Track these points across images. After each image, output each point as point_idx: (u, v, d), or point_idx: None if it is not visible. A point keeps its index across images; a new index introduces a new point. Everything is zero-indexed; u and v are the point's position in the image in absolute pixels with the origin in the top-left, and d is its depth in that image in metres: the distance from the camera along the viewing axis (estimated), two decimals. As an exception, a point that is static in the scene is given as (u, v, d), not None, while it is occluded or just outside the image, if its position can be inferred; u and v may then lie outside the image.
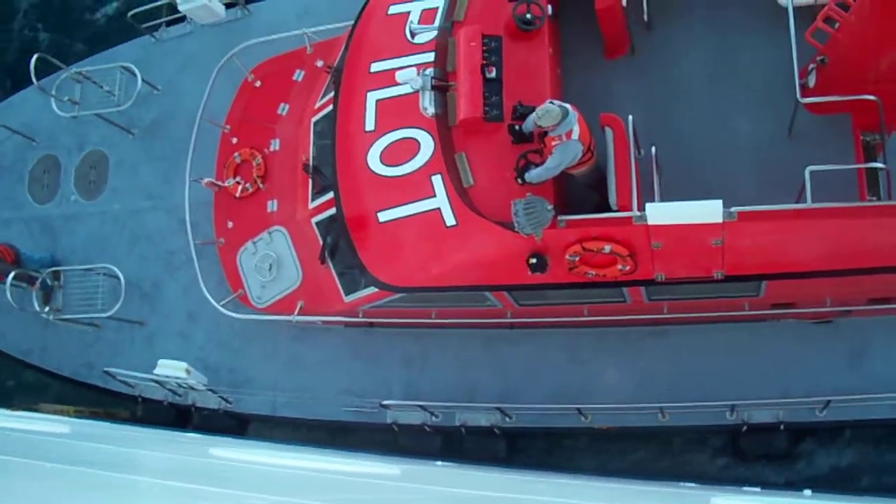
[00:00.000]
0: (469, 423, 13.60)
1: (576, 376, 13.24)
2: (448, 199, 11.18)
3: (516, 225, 10.43)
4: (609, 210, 10.98)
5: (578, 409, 12.84)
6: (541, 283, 11.38)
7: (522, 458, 14.29)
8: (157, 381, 14.15)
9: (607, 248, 10.63)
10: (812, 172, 10.08)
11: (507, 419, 13.43)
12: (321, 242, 13.11)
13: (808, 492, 10.60)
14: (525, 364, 13.45)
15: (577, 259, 10.83)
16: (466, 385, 13.55)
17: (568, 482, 10.94)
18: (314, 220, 13.23)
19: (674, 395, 12.79)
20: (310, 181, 13.38)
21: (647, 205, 10.18)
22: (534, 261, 10.87)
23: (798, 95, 10.68)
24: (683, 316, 12.56)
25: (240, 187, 14.26)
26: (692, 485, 12.04)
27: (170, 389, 14.60)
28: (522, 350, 13.46)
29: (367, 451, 13.48)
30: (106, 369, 14.42)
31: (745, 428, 13.10)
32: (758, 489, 11.24)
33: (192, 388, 14.23)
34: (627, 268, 10.90)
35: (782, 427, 13.00)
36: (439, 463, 12.51)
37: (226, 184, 14.28)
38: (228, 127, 14.78)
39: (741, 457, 13.94)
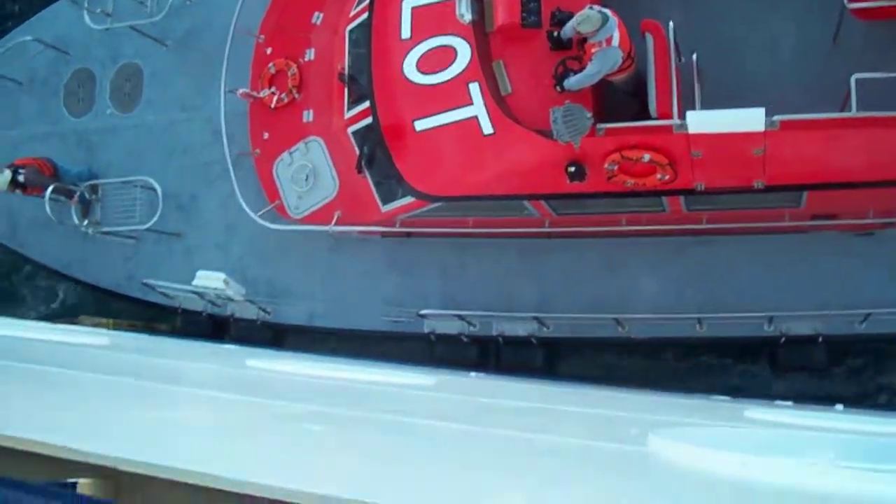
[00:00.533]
0: (506, 332, 13.70)
1: (613, 286, 13.23)
2: (485, 107, 11.15)
3: (555, 133, 10.40)
4: (649, 118, 10.89)
5: (616, 319, 12.89)
6: (579, 193, 11.36)
7: (560, 369, 14.32)
8: (195, 293, 14.30)
9: (647, 156, 10.58)
10: (858, 80, 9.93)
11: (545, 329, 13.47)
12: (357, 152, 13.06)
13: (839, 406, 10.62)
14: (562, 274, 13.45)
15: (616, 168, 10.78)
16: (504, 295, 13.56)
17: (600, 393, 11.03)
18: (350, 129, 13.19)
19: (712, 306, 12.78)
20: (345, 90, 13.29)
21: (688, 113, 10.13)
22: (572, 169, 10.84)
23: (845, 0, 10.50)
24: (723, 226, 12.46)
25: (275, 98, 14.19)
26: (725, 398, 12.08)
27: (209, 301, 14.77)
28: (560, 260, 13.43)
29: (402, 362, 13.60)
30: (145, 281, 14.63)
31: (782, 340, 13.07)
32: (790, 403, 11.27)
33: (231, 300, 14.36)
34: (667, 177, 10.83)
35: (820, 340, 12.98)
36: (473, 374, 12.63)
37: (261, 94, 14.23)
38: (263, 37, 14.67)
39: (778, 370, 13.91)
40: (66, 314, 16.25)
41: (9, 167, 14.86)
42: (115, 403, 5.24)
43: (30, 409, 4.35)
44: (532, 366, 14.00)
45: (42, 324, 13.77)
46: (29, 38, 16.33)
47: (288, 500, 2.36)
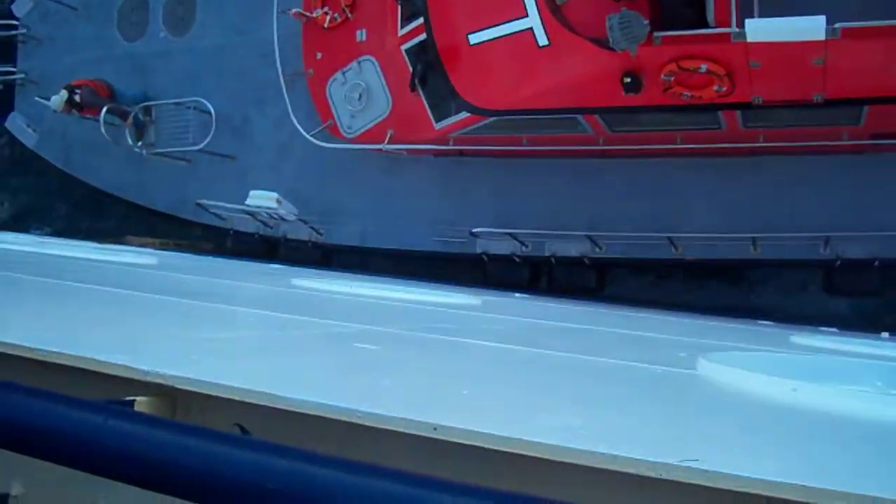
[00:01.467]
0: (558, 253, 13.77)
1: (667, 207, 13.20)
2: (540, 17, 11.14)
3: (611, 40, 10.38)
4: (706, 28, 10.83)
5: (669, 239, 12.87)
6: (634, 106, 11.37)
7: (610, 292, 14.35)
8: (248, 213, 14.49)
9: (704, 67, 10.56)
10: None
11: (597, 249, 13.52)
12: (411, 70, 13.16)
13: (885, 334, 10.55)
14: (616, 194, 13.45)
15: (673, 79, 10.77)
16: (556, 215, 13.59)
17: (646, 316, 11.05)
18: (404, 47, 13.29)
19: (767, 227, 12.72)
20: (399, 8, 13.40)
21: (747, 21, 10.05)
22: (628, 80, 10.85)
23: None
24: (780, 145, 12.37)
25: (328, 17, 14.28)
26: (770, 323, 12.04)
27: (261, 221, 14.95)
28: (613, 180, 13.43)
29: (451, 284, 13.69)
30: (198, 201, 14.85)
31: (838, 263, 12.96)
32: (835, 329, 11.20)
33: (283, 220, 14.53)
34: (724, 88, 10.79)
35: (876, 264, 12.85)
36: (517, 295, 12.68)
37: (314, 14, 14.33)
38: (315, -43, 14.70)
39: (832, 293, 13.82)
40: (112, 235, 16.51)
41: (66, 87, 15.09)
42: (167, 322, 5.37)
43: (84, 327, 4.47)
44: (584, 287, 14.04)
45: (90, 244, 13.98)
46: (83, -38, 16.53)
47: (343, 418, 2.43)
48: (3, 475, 2.89)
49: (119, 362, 2.84)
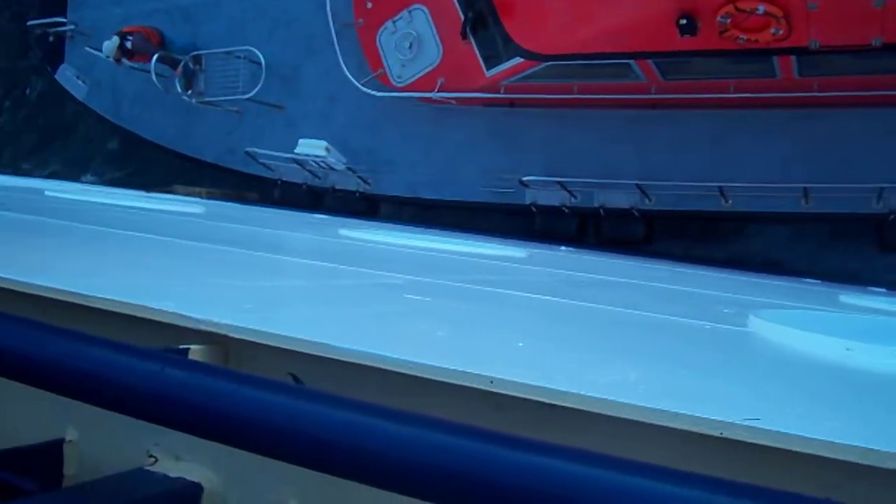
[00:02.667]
0: (608, 204, 13.72)
1: (718, 158, 13.11)
2: None
3: None
4: None
5: (720, 189, 12.78)
6: (689, 50, 11.27)
7: (659, 245, 14.21)
8: (297, 162, 14.59)
9: (761, 8, 10.45)
10: None
11: (647, 201, 13.42)
12: (462, 17, 13.05)
13: None
14: (667, 145, 13.35)
15: (729, 21, 10.68)
16: (606, 166, 13.51)
17: (689, 271, 10.95)
18: (455, -7, 13.16)
19: (819, 180, 12.52)
20: (451, -45, 13.26)
21: None
22: (683, 22, 10.76)
23: None
24: (834, 95, 12.18)
25: (380, -34, 14.15)
26: (819, 282, 11.86)
27: (309, 171, 15.01)
28: (664, 131, 13.33)
29: (498, 234, 13.61)
30: (247, 150, 14.91)
31: (892, 217, 12.78)
32: (883, 290, 11.00)
33: (332, 169, 14.60)
34: (781, 31, 10.67)
35: (931, 218, 12.65)
36: (563, 248, 12.59)
37: (365, -36, 14.21)
38: None
39: (886, 249, 13.58)
40: (159, 184, 16.61)
41: (117, 34, 15.12)
42: (217, 271, 5.32)
43: (133, 275, 4.43)
44: (631, 239, 13.99)
45: (138, 192, 14.06)
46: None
47: (397, 369, 2.37)
48: (58, 420, 2.91)
49: (171, 310, 2.80)
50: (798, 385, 3.15)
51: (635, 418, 2.08)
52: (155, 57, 15.05)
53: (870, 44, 10.64)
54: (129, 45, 15.17)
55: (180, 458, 2.66)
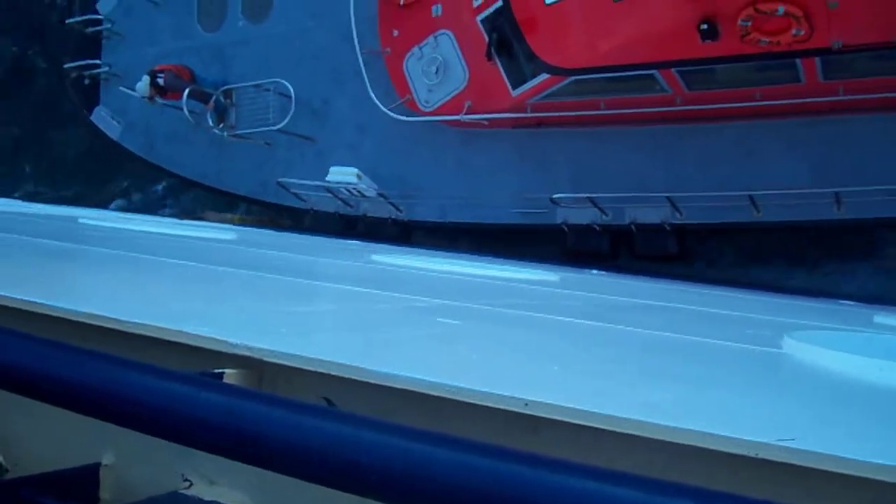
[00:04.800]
0: (639, 219, 13.70)
1: (747, 168, 13.00)
2: None
3: None
4: None
5: (750, 197, 12.71)
6: (712, 57, 11.33)
7: (692, 259, 14.13)
8: (328, 190, 14.70)
9: (781, 9, 10.52)
10: None
11: (678, 214, 13.38)
12: (487, 39, 13.15)
13: None
14: (695, 157, 13.32)
15: (750, 24, 10.75)
16: (636, 181, 13.50)
17: (722, 293, 10.89)
18: (479, 17, 13.48)
19: (851, 184, 12.30)
20: (473, -21, 13.44)
21: None
22: (705, 27, 10.85)
23: None
24: (861, 98, 12.08)
25: (404, -6, 14.27)
26: (853, 303, 11.71)
27: (341, 200, 15.07)
28: (692, 143, 13.32)
29: (530, 260, 13.56)
30: (279, 180, 15.04)
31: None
32: None
33: (364, 196, 14.67)
34: (802, 32, 10.70)
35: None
36: (594, 272, 12.53)
37: (390, -8, 14.32)
38: (388, -62, 14.84)
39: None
40: (192, 211, 16.78)
41: (149, 73, 15.32)
42: (251, 296, 5.34)
43: (168, 300, 4.44)
44: (664, 253, 13.99)
45: (171, 220, 14.17)
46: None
47: (431, 392, 2.34)
48: (95, 444, 2.95)
49: (206, 334, 2.77)
50: (833, 405, 3.11)
51: (671, 440, 2.06)
52: (186, 91, 15.22)
53: (893, 42, 10.58)
54: (161, 82, 15.37)
55: (214, 482, 2.71)
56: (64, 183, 20.72)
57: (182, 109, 15.54)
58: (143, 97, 15.73)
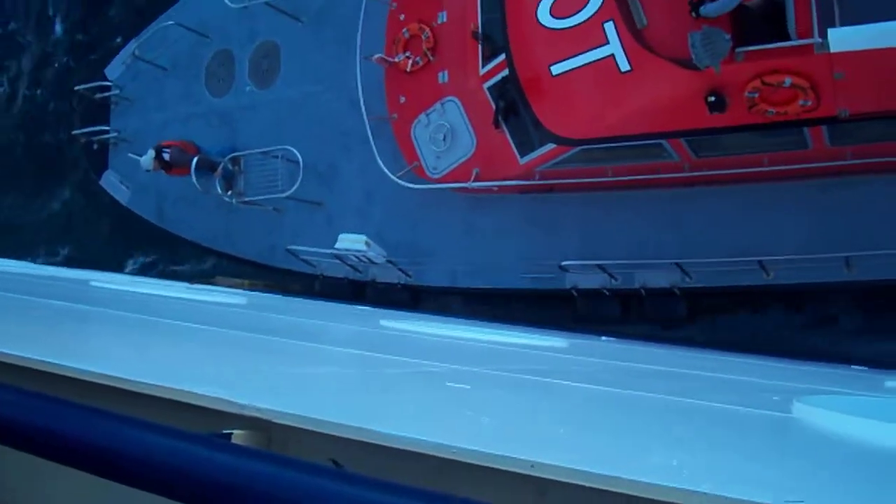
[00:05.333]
0: (648, 284, 13.68)
1: (756, 232, 12.99)
2: (621, 43, 11.30)
3: (694, 58, 10.48)
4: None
5: (760, 263, 12.69)
6: (720, 127, 11.38)
7: (703, 323, 14.10)
8: (337, 257, 14.74)
9: (788, 81, 10.58)
10: None
11: (687, 279, 13.39)
12: (494, 106, 13.24)
13: None
14: (704, 221, 13.31)
15: (757, 96, 10.80)
16: (645, 246, 13.53)
17: (734, 359, 10.89)
18: (486, 84, 13.55)
19: (861, 247, 12.29)
20: (479, 47, 13.65)
21: (829, 30, 10.03)
22: (712, 99, 10.89)
23: None
24: (869, 162, 12.15)
25: (410, 62, 14.63)
26: (863, 368, 11.69)
27: (350, 266, 15.16)
28: (701, 208, 13.31)
29: (540, 326, 13.56)
30: (289, 247, 15.09)
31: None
32: None
33: (373, 262, 14.70)
34: (809, 102, 10.75)
35: None
36: (604, 338, 12.55)
37: (396, 59, 14.65)
38: (395, 4, 15.15)
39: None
40: (202, 276, 16.83)
41: (154, 148, 15.50)
42: (260, 359, 5.40)
43: (179, 362, 4.50)
44: (674, 317, 13.98)
45: (182, 284, 14.23)
46: (170, 23, 17.14)
47: (438, 454, 2.37)
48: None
49: (216, 395, 2.81)
50: (842, 468, 3.10)
51: (679, 501, 2.05)
52: (195, 160, 15.32)
53: (897, 111, 10.65)
54: (166, 156, 15.52)
55: None
56: (73, 245, 20.92)
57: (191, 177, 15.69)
58: (147, 170, 15.90)
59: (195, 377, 3.45)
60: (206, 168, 15.74)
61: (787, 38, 10.74)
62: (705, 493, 2.07)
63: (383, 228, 15.08)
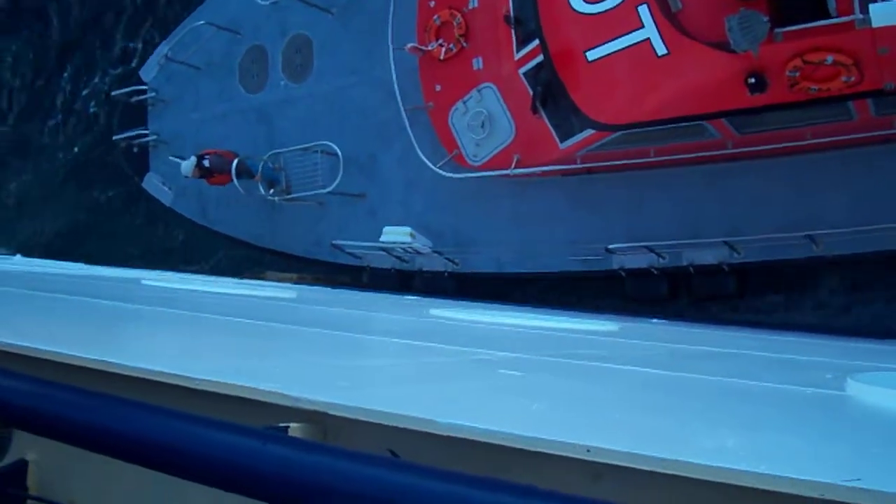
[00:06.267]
0: (696, 261, 13.61)
1: (803, 205, 12.90)
2: (657, 27, 11.19)
3: (732, 42, 10.34)
4: (824, 19, 10.65)
5: (809, 236, 12.58)
6: (761, 106, 11.27)
7: (753, 299, 14.08)
8: (383, 249, 14.80)
9: (830, 58, 10.44)
10: None
11: (735, 254, 13.31)
12: (531, 92, 13.26)
13: None
14: (750, 197, 13.19)
15: (798, 74, 10.66)
16: (691, 224, 13.49)
17: (787, 338, 10.85)
18: (521, 70, 13.51)
19: None
20: (512, 32, 13.62)
21: (871, 6, 9.88)
22: (752, 81, 10.78)
23: None
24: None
25: (443, 49, 14.58)
26: None
27: (396, 257, 15.27)
28: (746, 183, 13.18)
29: (588, 311, 13.59)
30: (334, 242, 15.21)
31: None
32: None
33: (418, 253, 14.77)
34: (852, 78, 10.61)
35: None
36: (654, 320, 12.55)
37: (429, 48, 14.65)
38: (425, -9, 15.06)
39: None
40: (252, 270, 17.06)
41: (196, 155, 15.73)
42: (313, 352, 5.52)
43: (237, 357, 4.63)
44: (726, 293, 13.91)
45: (231, 279, 14.40)
46: (201, 22, 17.32)
47: (494, 441, 2.45)
48: (163, 501, 3.04)
49: (271, 389, 2.92)
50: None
51: (735, 482, 2.12)
52: (234, 164, 15.53)
53: (946, 80, 10.53)
54: (206, 164, 15.70)
55: None
56: (123, 247, 21.31)
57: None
58: (187, 176, 16.13)
59: (249, 372, 3.56)
60: (246, 175, 15.94)
61: (827, 16, 10.60)
62: (761, 474, 2.14)
63: (427, 218, 15.17)
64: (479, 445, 2.48)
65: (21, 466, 3.45)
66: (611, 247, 13.50)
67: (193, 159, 15.91)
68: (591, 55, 11.72)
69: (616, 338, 8.57)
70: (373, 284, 15.78)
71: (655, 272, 13.86)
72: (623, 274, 14.04)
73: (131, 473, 2.44)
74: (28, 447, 3.48)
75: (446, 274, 15.23)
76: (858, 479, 2.05)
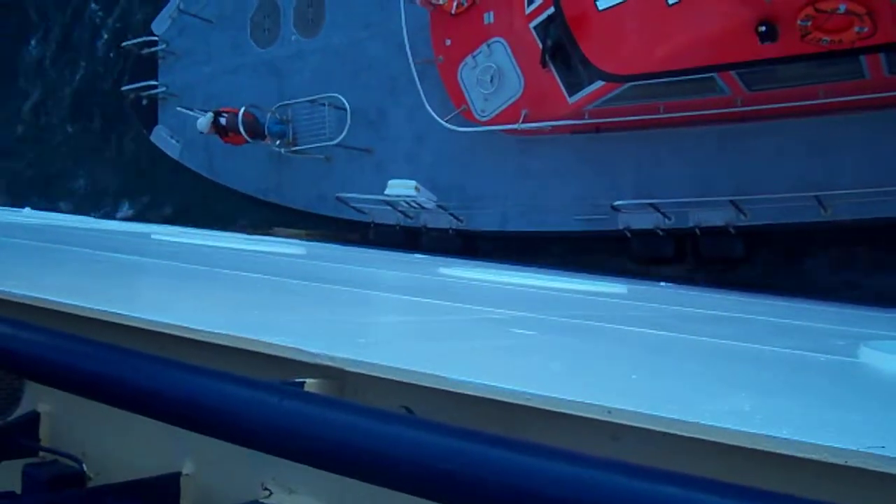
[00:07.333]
0: (703, 223, 13.48)
1: (814, 168, 12.74)
2: None
3: None
4: None
5: (817, 199, 12.42)
6: (772, 58, 11.11)
7: (759, 264, 14.02)
8: (388, 203, 14.76)
9: (842, 7, 10.27)
10: None
11: (742, 217, 13.20)
12: (541, 46, 13.14)
13: None
14: (760, 159, 13.05)
15: (810, 24, 10.51)
16: (698, 184, 13.35)
17: (794, 304, 10.79)
18: (532, 24, 13.40)
19: None
20: (525, -15, 13.41)
21: None
22: (763, 29, 10.62)
23: None
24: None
25: (454, 3, 14.45)
26: None
27: (401, 212, 15.19)
28: (755, 143, 13.04)
29: (594, 264, 13.54)
30: (338, 195, 15.15)
31: None
32: None
33: (423, 208, 14.74)
34: (865, 29, 10.43)
35: None
36: (662, 283, 12.48)
37: (440, 2, 14.47)
38: (434, -55, 14.89)
39: None
40: (259, 227, 17.06)
41: (213, 111, 15.65)
42: (326, 308, 5.47)
43: (246, 312, 4.58)
44: (732, 256, 13.74)
45: (241, 235, 14.37)
46: (215, -26, 17.09)
47: (511, 400, 2.41)
48: (176, 454, 3.06)
49: (288, 344, 2.89)
50: None
51: (756, 447, 2.07)
52: (241, 110, 15.48)
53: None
54: (223, 121, 15.63)
55: (294, 490, 2.76)
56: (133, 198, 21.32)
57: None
58: (202, 132, 16.06)
59: (263, 326, 3.53)
60: (258, 137, 15.91)
61: None
62: (785, 439, 2.09)
63: (433, 173, 15.11)
64: (497, 404, 2.44)
65: (33, 418, 3.44)
66: (616, 204, 13.37)
67: (210, 115, 15.86)
68: (602, 4, 11.62)
69: (625, 300, 8.52)
70: (379, 242, 15.72)
71: (661, 233, 13.74)
72: (629, 234, 13.92)
73: (143, 426, 2.41)
74: (40, 399, 3.48)
75: (451, 231, 15.17)
76: (882, 447, 2.00)
